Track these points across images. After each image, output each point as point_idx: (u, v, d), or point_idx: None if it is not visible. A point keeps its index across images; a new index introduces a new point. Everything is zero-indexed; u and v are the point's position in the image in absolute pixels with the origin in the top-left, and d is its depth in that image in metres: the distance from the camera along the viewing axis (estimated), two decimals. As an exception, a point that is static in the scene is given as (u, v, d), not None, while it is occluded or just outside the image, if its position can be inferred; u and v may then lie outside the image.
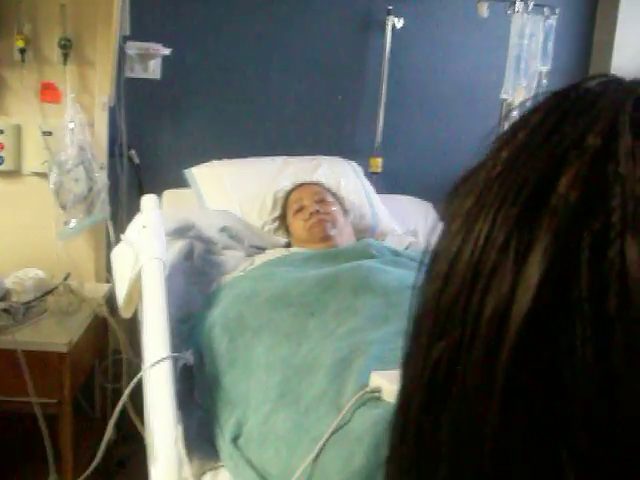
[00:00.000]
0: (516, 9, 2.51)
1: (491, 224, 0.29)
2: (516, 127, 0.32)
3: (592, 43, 3.04)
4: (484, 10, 2.56)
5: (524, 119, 0.32)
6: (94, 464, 1.69)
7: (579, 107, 0.31)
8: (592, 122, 0.29)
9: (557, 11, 2.55)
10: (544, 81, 2.57)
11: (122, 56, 2.44)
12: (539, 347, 0.27)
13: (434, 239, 0.33)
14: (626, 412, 0.26)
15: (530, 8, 2.51)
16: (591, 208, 0.27)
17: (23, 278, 2.07)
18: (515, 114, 0.35)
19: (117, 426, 2.22)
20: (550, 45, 2.55)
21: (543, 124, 0.31)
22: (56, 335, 1.88)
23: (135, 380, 1.52)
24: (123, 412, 1.69)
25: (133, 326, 2.11)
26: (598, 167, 0.28)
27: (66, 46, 2.26)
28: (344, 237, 2.21)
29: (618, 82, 0.33)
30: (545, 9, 2.54)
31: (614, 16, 2.92)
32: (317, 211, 2.20)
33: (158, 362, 1.48)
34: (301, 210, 2.23)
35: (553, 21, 2.54)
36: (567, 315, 0.26)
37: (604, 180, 0.27)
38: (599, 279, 0.26)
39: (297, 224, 2.23)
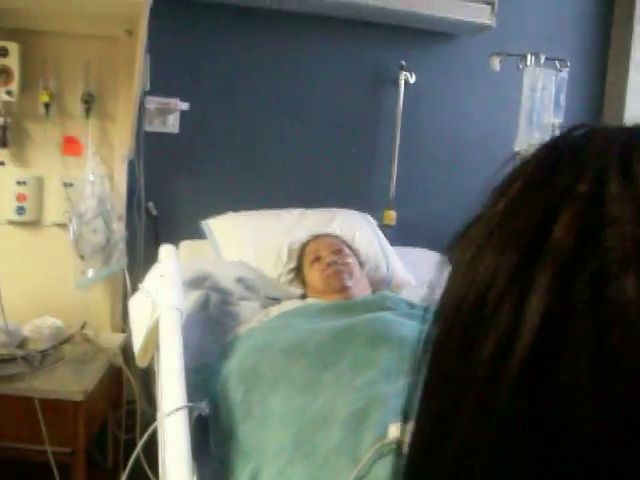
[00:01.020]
0: (528, 63, 2.55)
1: (493, 271, 0.31)
2: (510, 179, 0.34)
3: (604, 94, 3.08)
4: (496, 64, 2.61)
5: (517, 171, 0.34)
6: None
7: (568, 156, 0.33)
8: (581, 170, 0.31)
9: (568, 64, 2.59)
10: (557, 132, 2.60)
11: (142, 110, 2.50)
12: (539, 386, 0.28)
13: (437, 289, 0.35)
14: (627, 452, 0.27)
15: (542, 62, 2.55)
16: (587, 250, 0.29)
17: (40, 326, 2.09)
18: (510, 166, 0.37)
19: (129, 478, 2.22)
20: (562, 97, 2.58)
21: (535, 175, 0.33)
22: (72, 383, 1.90)
23: (150, 430, 1.52)
24: (136, 463, 1.69)
25: (147, 377, 2.12)
26: (590, 212, 0.29)
27: (89, 101, 2.32)
28: (360, 289, 2.22)
29: (603, 130, 0.34)
30: (557, 62, 2.58)
31: (626, 66, 2.97)
32: (334, 262, 2.21)
33: (174, 412, 1.48)
34: (318, 260, 2.25)
35: (565, 74, 2.58)
36: (567, 355, 0.28)
37: (597, 223, 0.29)
38: (598, 318, 0.27)
39: (313, 274, 2.24)
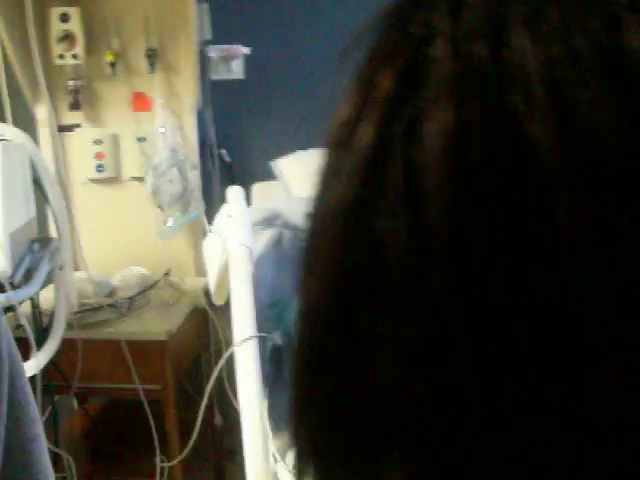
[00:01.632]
0: None
1: (335, 126, 0.31)
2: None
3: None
4: None
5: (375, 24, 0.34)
6: (193, 438, 1.79)
7: (418, 2, 0.31)
8: (419, 13, 0.30)
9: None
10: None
11: (205, 60, 2.55)
12: (364, 232, 0.28)
13: None
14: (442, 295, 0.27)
15: None
16: (407, 94, 0.28)
17: (127, 276, 2.21)
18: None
19: (225, 415, 2.33)
20: None
21: (385, 24, 0.31)
22: (156, 325, 2.01)
23: (224, 358, 1.60)
24: (224, 392, 1.78)
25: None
26: (416, 54, 0.28)
27: (152, 56, 2.38)
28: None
29: None
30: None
31: None
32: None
33: (244, 341, 1.55)
34: None
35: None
36: (385, 199, 0.27)
37: (420, 66, 0.28)
38: (412, 159, 0.27)
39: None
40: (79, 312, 1.97)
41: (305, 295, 0.33)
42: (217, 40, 2.58)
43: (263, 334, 1.67)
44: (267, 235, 2.16)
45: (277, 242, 2.17)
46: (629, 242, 0.25)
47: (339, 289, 0.30)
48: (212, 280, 1.92)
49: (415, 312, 0.27)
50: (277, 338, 1.76)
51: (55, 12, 2.26)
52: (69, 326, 1.86)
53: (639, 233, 0.25)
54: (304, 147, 2.61)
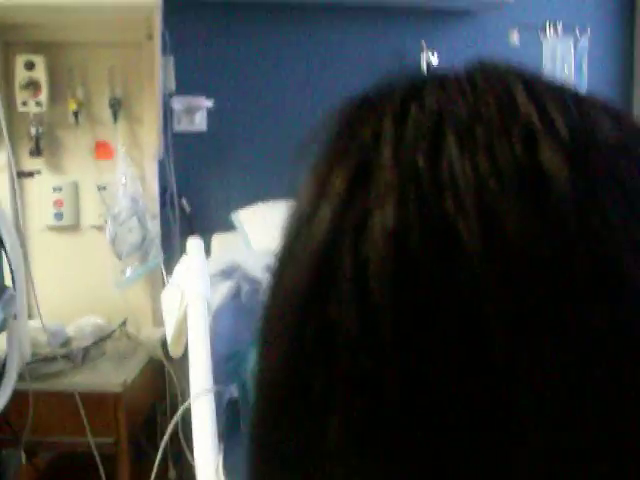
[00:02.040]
0: (546, 34, 2.54)
1: (295, 217, 0.35)
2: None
3: (632, 59, 3.03)
4: (515, 38, 2.60)
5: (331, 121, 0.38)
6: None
7: (369, 105, 0.36)
8: (371, 118, 0.34)
9: (588, 30, 2.56)
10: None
11: (169, 111, 2.58)
12: (317, 318, 0.31)
13: None
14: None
15: (560, 30, 2.53)
16: (356, 193, 0.32)
17: (83, 326, 2.19)
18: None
19: (180, 469, 2.30)
20: (584, 66, 2.56)
21: (338, 125, 0.36)
22: (112, 377, 1.98)
23: (180, 412, 1.59)
24: (178, 446, 1.76)
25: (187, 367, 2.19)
26: (364, 158, 0.32)
27: (116, 105, 2.40)
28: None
29: (415, 76, 0.37)
30: (576, 30, 2.56)
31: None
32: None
33: (200, 394, 1.55)
34: None
35: (585, 41, 2.56)
36: (336, 288, 0.31)
37: (368, 168, 0.32)
38: (359, 252, 0.30)
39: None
40: (32, 363, 1.94)
41: (264, 362, 0.36)
42: (180, 91, 2.62)
43: (220, 387, 1.67)
44: (225, 287, 2.16)
45: (235, 294, 2.17)
46: (542, 332, 0.29)
47: (295, 364, 0.33)
48: (169, 332, 1.90)
49: (365, 387, 0.30)
50: (234, 391, 1.76)
51: (20, 59, 2.27)
52: (21, 377, 1.83)
53: (550, 325, 0.29)
54: (264, 199, 2.63)
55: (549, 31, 2.55)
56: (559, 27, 2.55)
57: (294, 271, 0.33)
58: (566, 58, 2.54)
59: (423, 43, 2.80)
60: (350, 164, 0.33)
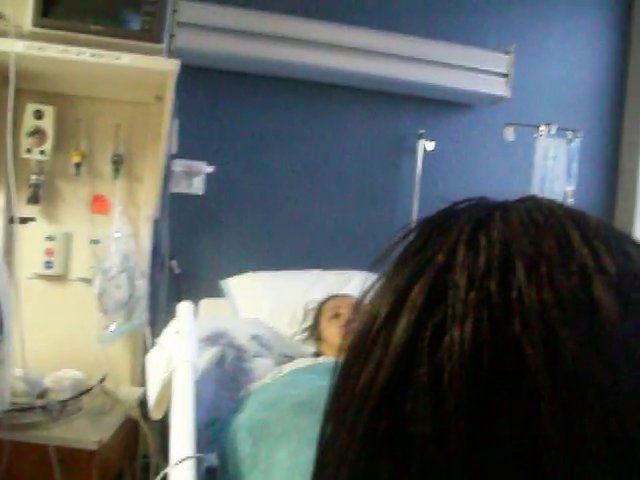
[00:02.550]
0: (540, 133, 2.63)
1: (374, 316, 0.40)
2: (398, 244, 0.43)
3: (618, 164, 3.14)
4: (510, 134, 2.69)
5: (402, 238, 0.44)
6: None
7: (439, 229, 0.42)
8: (444, 242, 0.40)
9: (580, 134, 2.66)
10: (570, 200, 2.67)
11: (169, 172, 2.61)
12: (392, 414, 0.36)
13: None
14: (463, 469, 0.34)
15: (554, 132, 2.63)
16: (433, 308, 0.37)
17: (61, 378, 2.16)
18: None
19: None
20: (574, 166, 2.65)
21: (412, 244, 0.42)
22: (88, 433, 1.95)
23: (159, 478, 1.57)
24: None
25: (165, 431, 2.17)
26: (440, 277, 0.38)
27: (118, 162, 2.43)
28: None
29: (479, 204, 0.43)
30: (568, 133, 2.66)
31: (638, 141, 3.03)
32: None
33: (181, 461, 1.53)
34: (337, 317, 2.31)
35: (576, 143, 2.65)
36: (412, 387, 0.36)
37: (444, 287, 0.37)
38: (436, 360, 0.35)
39: (332, 330, 2.29)
40: (9, 411, 1.91)
41: (332, 445, 0.41)
42: (180, 155, 2.67)
43: (200, 455, 1.66)
44: (211, 353, 2.17)
45: (220, 361, 2.18)
46: (592, 447, 0.33)
47: (367, 454, 0.37)
48: (152, 393, 1.89)
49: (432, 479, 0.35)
50: (213, 459, 1.74)
51: (30, 108, 2.30)
52: (-2, 425, 1.80)
53: (595, 437, 0.33)
54: (254, 269, 2.66)
55: (543, 131, 2.65)
56: (553, 128, 2.64)
57: (372, 369, 0.38)
58: (557, 157, 2.63)
59: (421, 130, 2.88)
60: (427, 282, 0.38)
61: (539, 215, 0.40)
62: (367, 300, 0.42)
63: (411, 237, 0.43)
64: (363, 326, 0.40)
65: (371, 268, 0.45)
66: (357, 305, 0.43)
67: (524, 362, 0.34)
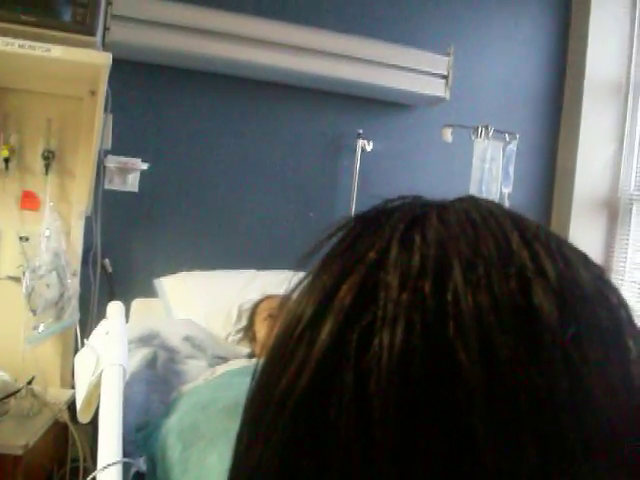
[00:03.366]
0: (478, 135, 2.65)
1: (299, 316, 0.37)
2: (328, 241, 0.41)
3: (555, 166, 3.19)
4: (448, 135, 2.70)
5: (333, 235, 0.41)
6: None
7: (372, 227, 0.39)
8: (376, 239, 0.37)
9: (517, 136, 2.69)
10: (507, 202, 2.69)
11: (102, 169, 2.56)
12: (312, 420, 0.34)
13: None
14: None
15: (491, 134, 2.65)
16: (362, 309, 0.34)
17: (-14, 380, 2.09)
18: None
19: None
20: (511, 168, 2.68)
21: (342, 241, 0.39)
22: (13, 437, 1.89)
23: (85, 484, 1.52)
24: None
25: (95, 434, 2.12)
26: (371, 276, 0.35)
27: (49, 157, 2.37)
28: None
29: (414, 203, 0.41)
30: (506, 135, 2.69)
31: (575, 141, 3.09)
32: (287, 320, 2.24)
33: (108, 466, 1.49)
34: (271, 318, 2.28)
35: (514, 146, 2.68)
36: (337, 393, 0.33)
37: (374, 287, 0.35)
38: (363, 364, 0.33)
39: (266, 331, 2.27)
40: None
41: (245, 454, 0.38)
42: (114, 151, 2.61)
43: (128, 460, 1.62)
44: (142, 354, 2.12)
45: (151, 362, 2.13)
46: (527, 457, 0.32)
47: (286, 455, 0.35)
48: (80, 396, 1.84)
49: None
50: (141, 464, 1.70)
51: (-44, 101, 2.22)
52: None
53: (529, 434, 0.32)
54: (188, 268, 2.62)
55: (481, 132, 2.67)
56: (490, 130, 2.67)
57: (293, 372, 0.35)
58: (495, 159, 2.65)
59: (359, 130, 2.88)
60: (356, 281, 0.36)
61: (477, 215, 0.39)
62: (292, 299, 0.40)
63: (341, 234, 0.40)
64: (286, 327, 0.38)
65: (298, 266, 0.43)
66: (282, 304, 0.41)
67: (457, 368, 0.32)
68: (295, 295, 0.40)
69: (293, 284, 0.42)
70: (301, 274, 0.40)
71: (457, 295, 0.34)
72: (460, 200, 0.41)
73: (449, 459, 0.32)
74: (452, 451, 0.32)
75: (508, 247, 0.36)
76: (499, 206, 0.40)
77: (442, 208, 0.40)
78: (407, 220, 0.38)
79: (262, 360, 0.40)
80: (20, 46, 2.01)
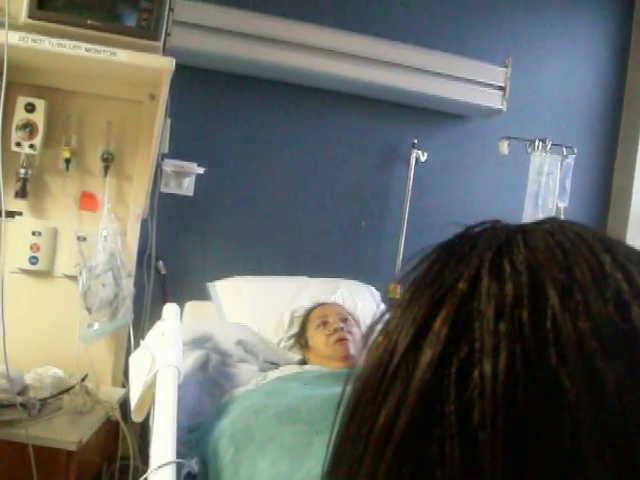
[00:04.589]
0: (535, 148, 2.62)
1: (392, 349, 0.37)
2: (413, 272, 0.40)
3: (612, 182, 3.14)
4: (505, 148, 2.68)
5: (418, 265, 0.41)
6: None
7: (457, 256, 0.39)
8: (464, 269, 0.37)
9: (575, 151, 2.66)
10: (562, 217, 2.65)
11: (159, 172, 2.59)
12: (415, 456, 0.34)
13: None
14: None
15: (549, 147, 2.62)
16: (458, 340, 0.34)
17: (42, 375, 2.13)
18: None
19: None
20: (568, 183, 2.64)
21: (429, 271, 0.39)
22: (67, 433, 1.92)
23: (138, 483, 1.54)
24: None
25: (145, 433, 2.14)
26: (464, 307, 0.35)
27: (108, 159, 2.40)
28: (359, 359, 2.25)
29: (496, 228, 0.41)
30: (564, 148, 2.66)
31: (633, 156, 3.03)
32: (341, 328, 2.25)
33: (161, 466, 1.51)
34: (324, 325, 2.28)
35: (571, 160, 2.65)
36: (437, 429, 0.33)
37: (468, 317, 0.35)
38: (465, 396, 0.33)
39: (318, 338, 2.27)
40: (-13, 407, 1.88)
41: None
42: (171, 155, 2.64)
43: (181, 460, 1.63)
44: (195, 356, 2.14)
45: (204, 364, 2.15)
46: (636, 471, 0.31)
47: None
48: (135, 395, 1.87)
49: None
50: (194, 465, 1.71)
51: (22, 101, 2.27)
52: (-25, 421, 1.77)
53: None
54: (240, 273, 2.63)
55: (538, 146, 2.64)
56: (548, 144, 2.64)
57: (392, 408, 0.35)
58: (551, 173, 2.62)
59: (414, 140, 2.87)
60: (449, 312, 0.36)
61: (564, 238, 0.38)
62: (379, 331, 0.40)
63: (425, 264, 0.40)
64: (378, 360, 0.38)
65: (389, 297, 0.45)
66: (365, 337, 0.41)
67: (562, 396, 0.32)
68: (380, 326, 0.40)
69: (376, 316, 0.42)
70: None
71: (556, 322, 0.34)
72: (542, 222, 0.41)
73: None
74: (562, 479, 0.32)
75: (602, 270, 0.36)
76: (585, 227, 0.40)
77: (526, 232, 0.39)
78: (493, 248, 0.38)
79: (352, 390, 0.40)
80: (87, 50, 2.05)
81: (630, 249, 0.39)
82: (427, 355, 0.35)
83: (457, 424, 0.33)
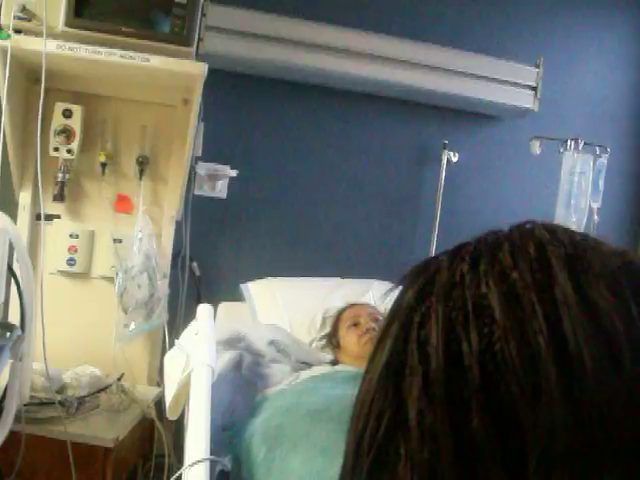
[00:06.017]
0: (567, 148, 2.61)
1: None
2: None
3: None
4: (537, 148, 2.67)
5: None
6: None
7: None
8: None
9: (608, 150, 2.64)
10: (595, 217, 2.64)
11: (192, 175, 2.63)
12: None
13: None
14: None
15: (581, 147, 2.61)
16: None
17: (80, 374, 2.18)
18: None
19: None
20: (601, 182, 2.63)
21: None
22: (104, 431, 1.97)
23: (173, 479, 1.57)
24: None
25: (179, 432, 2.18)
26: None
27: (143, 163, 2.45)
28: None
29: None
30: (596, 148, 2.64)
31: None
32: (373, 328, 2.27)
33: (195, 463, 1.54)
34: (356, 325, 2.30)
35: (604, 159, 2.63)
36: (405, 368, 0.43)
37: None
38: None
39: (350, 338, 2.29)
40: (28, 405, 1.93)
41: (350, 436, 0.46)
42: (204, 158, 2.68)
43: (214, 457, 1.66)
44: (228, 356, 2.17)
45: (237, 364, 2.18)
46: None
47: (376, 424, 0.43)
48: (169, 394, 1.90)
49: (425, 439, 0.40)
50: (227, 463, 1.75)
51: (59, 107, 2.33)
52: (16, 418, 1.82)
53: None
54: (273, 274, 2.66)
55: (570, 145, 2.63)
56: (580, 143, 2.62)
57: (375, 359, 0.46)
58: (584, 172, 2.61)
59: (445, 141, 2.88)
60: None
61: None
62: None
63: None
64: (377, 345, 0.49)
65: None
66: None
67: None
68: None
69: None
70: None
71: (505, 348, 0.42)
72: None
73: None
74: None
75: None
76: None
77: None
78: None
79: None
80: (122, 56, 2.10)
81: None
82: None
83: (418, 364, 0.41)
